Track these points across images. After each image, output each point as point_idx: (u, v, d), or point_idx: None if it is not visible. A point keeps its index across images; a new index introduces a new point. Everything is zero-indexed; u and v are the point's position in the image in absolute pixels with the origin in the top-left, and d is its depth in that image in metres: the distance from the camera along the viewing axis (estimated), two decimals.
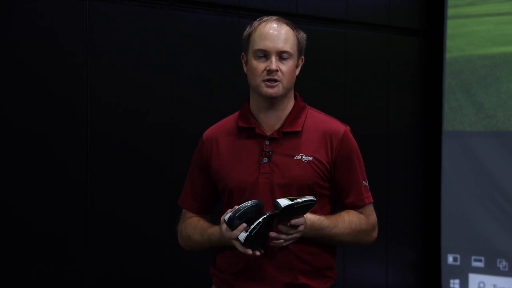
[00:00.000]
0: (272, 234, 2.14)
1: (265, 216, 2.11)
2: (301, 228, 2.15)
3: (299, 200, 2.10)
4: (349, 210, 2.31)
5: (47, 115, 3.35)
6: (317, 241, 2.25)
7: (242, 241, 2.11)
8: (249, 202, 2.14)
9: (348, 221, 2.27)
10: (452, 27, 5.06)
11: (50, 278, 3.36)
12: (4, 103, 3.24)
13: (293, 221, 2.13)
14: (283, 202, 2.09)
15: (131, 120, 3.66)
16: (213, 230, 2.28)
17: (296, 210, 2.11)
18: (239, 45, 2.36)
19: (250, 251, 2.12)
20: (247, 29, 2.30)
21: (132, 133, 3.66)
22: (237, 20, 4.02)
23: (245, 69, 2.32)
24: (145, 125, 3.71)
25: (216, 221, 2.31)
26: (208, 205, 2.41)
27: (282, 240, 2.15)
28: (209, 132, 2.38)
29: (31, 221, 3.31)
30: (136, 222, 3.68)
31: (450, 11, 5.06)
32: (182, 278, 3.84)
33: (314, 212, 2.21)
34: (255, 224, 2.10)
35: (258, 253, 2.14)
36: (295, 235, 2.15)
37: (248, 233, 2.10)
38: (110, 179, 3.57)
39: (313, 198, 2.13)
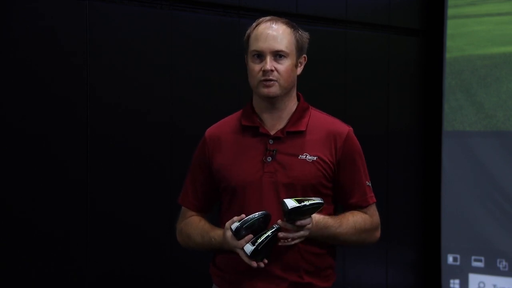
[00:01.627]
0: (281, 234, 2.14)
1: (273, 230, 2.12)
2: (308, 227, 2.16)
3: (306, 203, 2.10)
4: (353, 211, 2.32)
5: (47, 115, 3.35)
6: (322, 241, 2.26)
7: (249, 254, 2.11)
8: (257, 214, 2.14)
9: (352, 221, 2.28)
10: (452, 27, 5.06)
11: (50, 278, 3.36)
12: (4, 103, 3.24)
13: (299, 222, 2.13)
14: (290, 203, 2.09)
15: (131, 120, 3.65)
16: (215, 234, 2.27)
17: (303, 212, 2.11)
18: (239, 45, 2.36)
19: (255, 264, 2.14)
20: (247, 32, 2.30)
21: (132, 133, 3.66)
22: (237, 20, 4.02)
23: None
24: (145, 125, 3.71)
25: (214, 220, 2.30)
26: (209, 203, 2.40)
27: (290, 239, 2.15)
28: (211, 130, 2.37)
29: (31, 221, 3.31)
30: (136, 222, 3.67)
31: (450, 11, 5.06)
32: (182, 278, 3.84)
33: (319, 211, 2.22)
34: (262, 238, 2.10)
35: (262, 264, 2.15)
36: (302, 233, 2.16)
37: (255, 247, 2.10)
38: (110, 179, 3.57)
39: (320, 201, 2.13)
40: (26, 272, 3.29)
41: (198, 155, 2.37)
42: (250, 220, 2.12)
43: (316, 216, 2.20)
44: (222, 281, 2.33)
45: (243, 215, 2.14)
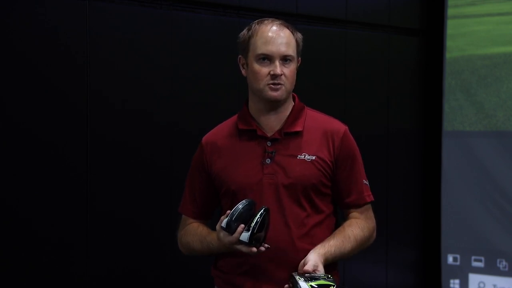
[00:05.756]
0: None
1: (262, 211, 2.11)
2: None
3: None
4: (351, 221, 2.31)
5: (47, 115, 3.36)
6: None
7: (247, 241, 2.10)
8: (242, 203, 2.13)
9: (353, 236, 2.27)
10: (452, 27, 5.06)
11: (50, 278, 3.36)
12: (4, 103, 3.24)
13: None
14: (303, 286, 2.03)
15: (131, 120, 3.66)
16: (211, 238, 2.27)
17: None
18: None
19: (255, 249, 2.11)
20: (244, 32, 2.29)
21: (133, 133, 3.66)
22: (237, 20, 4.02)
23: (243, 72, 2.31)
24: (145, 125, 3.71)
25: (215, 225, 2.31)
26: (207, 210, 2.40)
27: None
28: (208, 136, 2.37)
29: (31, 221, 3.31)
30: (137, 222, 3.67)
31: (450, 11, 5.07)
32: (182, 278, 3.84)
33: (320, 211, 2.25)
34: (255, 221, 2.09)
35: (263, 248, 2.13)
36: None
37: (251, 231, 2.09)
38: (110, 179, 3.57)
39: (332, 284, 2.07)
40: (25, 272, 3.29)
41: (195, 162, 2.37)
42: (237, 211, 2.11)
43: (322, 252, 2.18)
44: (223, 283, 2.32)
45: (229, 211, 2.14)
